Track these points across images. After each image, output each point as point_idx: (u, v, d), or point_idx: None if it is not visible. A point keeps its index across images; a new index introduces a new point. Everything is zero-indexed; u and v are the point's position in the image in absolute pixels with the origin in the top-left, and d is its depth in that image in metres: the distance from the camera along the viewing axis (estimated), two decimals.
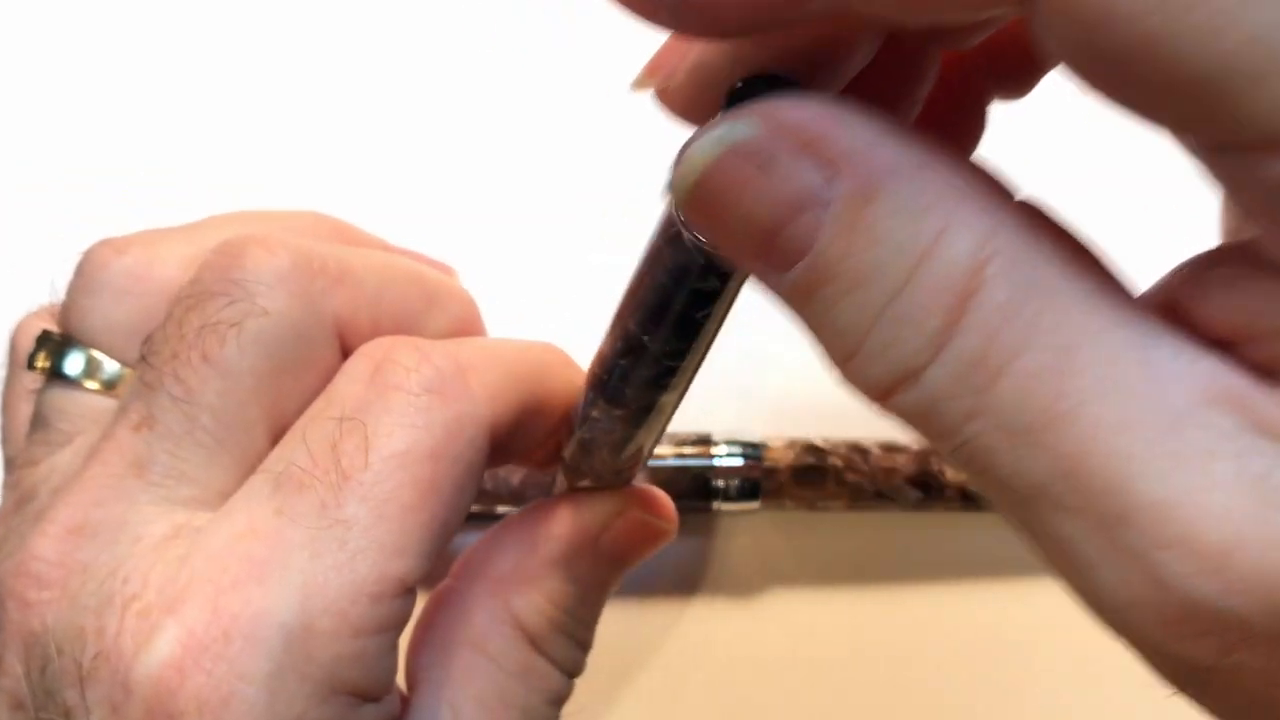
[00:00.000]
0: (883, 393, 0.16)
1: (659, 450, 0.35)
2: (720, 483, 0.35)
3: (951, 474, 0.35)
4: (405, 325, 0.24)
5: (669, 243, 0.18)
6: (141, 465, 0.22)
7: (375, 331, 0.24)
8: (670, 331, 0.20)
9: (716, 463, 0.35)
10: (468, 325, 0.26)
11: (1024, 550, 0.18)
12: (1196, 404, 0.15)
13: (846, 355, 0.16)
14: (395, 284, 0.24)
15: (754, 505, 0.35)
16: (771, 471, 0.35)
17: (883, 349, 0.16)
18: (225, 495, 0.22)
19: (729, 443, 0.35)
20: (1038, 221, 0.16)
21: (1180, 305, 0.16)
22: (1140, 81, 0.14)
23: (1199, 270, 0.16)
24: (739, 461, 0.35)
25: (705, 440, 0.35)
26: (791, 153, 0.16)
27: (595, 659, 0.36)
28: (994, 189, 0.16)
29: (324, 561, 0.21)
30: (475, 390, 0.22)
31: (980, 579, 0.36)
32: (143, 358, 0.22)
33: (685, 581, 0.36)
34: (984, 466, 0.16)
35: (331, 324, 0.23)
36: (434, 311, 0.25)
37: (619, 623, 0.36)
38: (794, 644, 0.36)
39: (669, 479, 0.35)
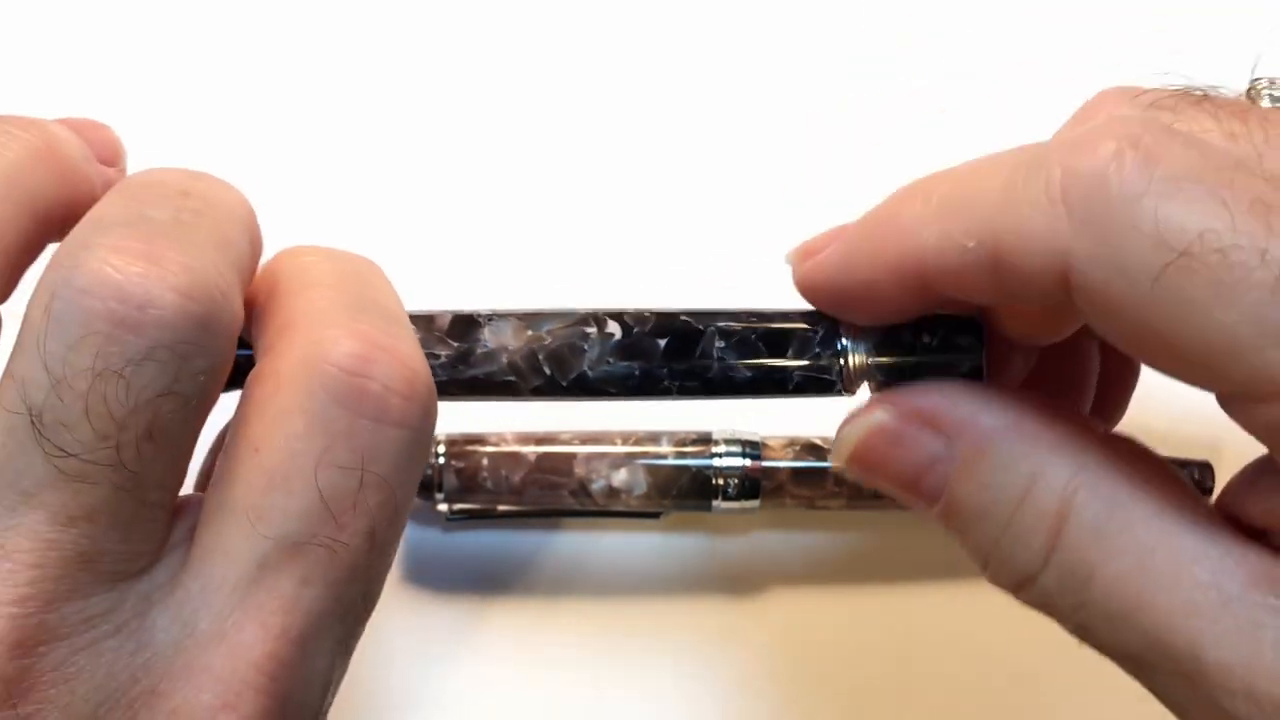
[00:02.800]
0: (1011, 590, 0.22)
1: (659, 449, 0.35)
2: (720, 482, 0.35)
3: None
4: (247, 271, 0.23)
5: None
6: (89, 559, 0.20)
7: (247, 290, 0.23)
8: None
9: (716, 462, 0.35)
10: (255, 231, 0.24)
11: None
12: (1245, 588, 0.20)
13: (982, 565, 0.22)
14: (227, 234, 0.23)
15: (754, 505, 0.35)
16: (771, 471, 0.35)
17: (1002, 562, 0.22)
18: (169, 537, 0.22)
19: (729, 442, 0.35)
20: (1118, 450, 0.21)
21: (1235, 504, 0.21)
22: (1158, 357, 0.20)
23: (1248, 477, 0.22)
24: (739, 461, 0.35)
25: (705, 440, 0.35)
26: (918, 429, 0.22)
27: (594, 657, 0.36)
28: (1080, 431, 0.21)
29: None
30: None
31: (978, 578, 0.36)
32: (45, 439, 0.20)
33: (685, 581, 0.36)
34: (1094, 641, 0.21)
35: (237, 331, 0.22)
36: (252, 244, 0.24)
37: (618, 621, 0.36)
38: (794, 643, 0.36)
39: (669, 479, 0.35)
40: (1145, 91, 0.22)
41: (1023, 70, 0.42)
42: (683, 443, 0.35)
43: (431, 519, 0.36)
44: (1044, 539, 0.21)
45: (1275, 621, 0.19)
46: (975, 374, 0.24)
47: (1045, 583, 0.21)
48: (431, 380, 0.23)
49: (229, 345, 0.22)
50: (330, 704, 0.23)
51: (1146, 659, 0.21)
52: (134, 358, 0.20)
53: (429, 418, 0.22)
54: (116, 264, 0.20)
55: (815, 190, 0.40)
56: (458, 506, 0.35)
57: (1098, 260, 0.19)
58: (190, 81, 0.41)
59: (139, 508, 0.21)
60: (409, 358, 0.22)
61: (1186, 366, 0.19)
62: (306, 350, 0.22)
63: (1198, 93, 0.21)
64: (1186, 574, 0.20)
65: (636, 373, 0.24)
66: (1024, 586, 0.22)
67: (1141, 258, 0.18)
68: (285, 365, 0.22)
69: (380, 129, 0.41)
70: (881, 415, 0.23)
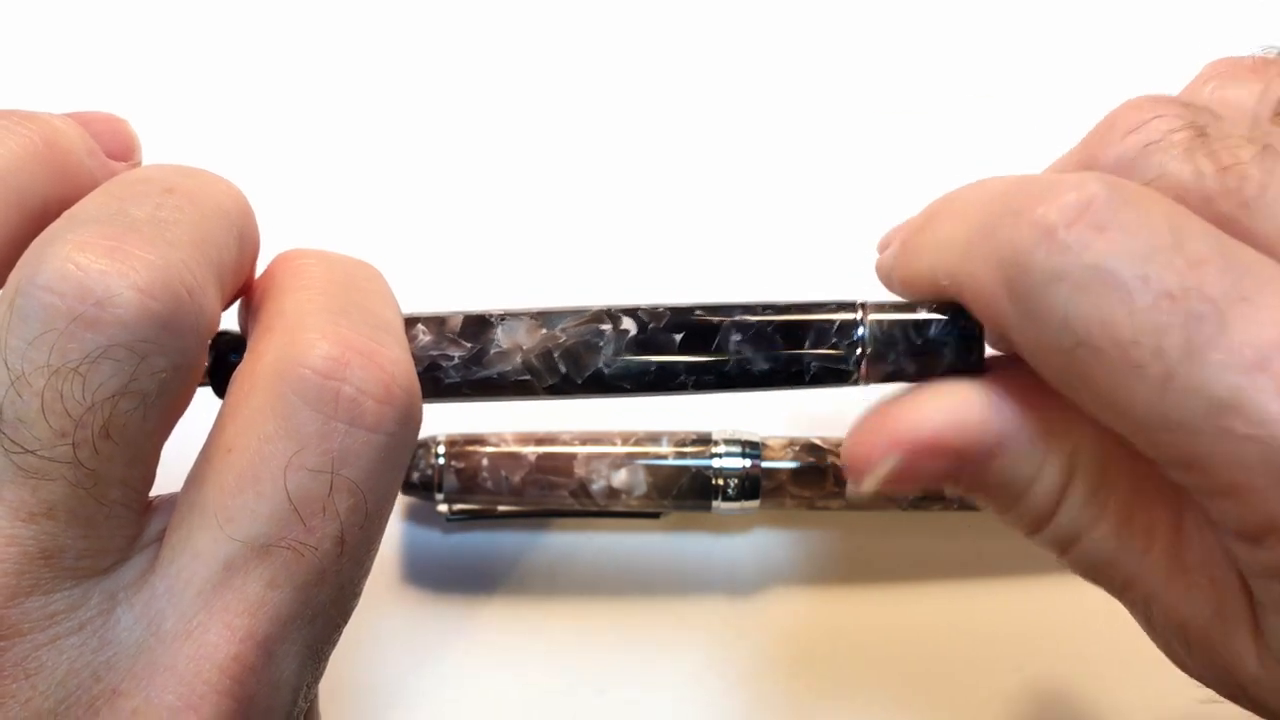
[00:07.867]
0: (1056, 552, 0.24)
1: (658, 449, 0.35)
2: (720, 482, 0.35)
3: None
4: (230, 269, 0.23)
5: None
6: (49, 555, 0.20)
7: (224, 288, 0.23)
8: None
9: (716, 463, 0.35)
10: (250, 227, 0.24)
11: (1020, 549, 0.20)
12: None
13: (992, 511, 0.24)
14: (207, 232, 0.22)
15: (753, 505, 0.35)
16: (771, 471, 0.35)
17: (1010, 521, 0.24)
18: (138, 535, 0.22)
19: (729, 442, 0.35)
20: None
21: None
22: (1083, 406, 0.21)
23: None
24: (739, 461, 0.35)
25: (705, 440, 0.35)
26: (928, 460, 0.23)
27: (594, 658, 0.36)
28: (1074, 417, 0.22)
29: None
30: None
31: (978, 578, 0.36)
32: (3, 435, 0.20)
33: (685, 581, 0.36)
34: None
35: (208, 331, 0.22)
36: (241, 241, 0.23)
37: (618, 622, 0.36)
38: (794, 643, 0.36)
39: (669, 479, 0.35)
40: (1159, 114, 0.22)
41: (1022, 70, 0.42)
42: (683, 443, 0.35)
43: (431, 519, 0.36)
44: (1044, 515, 0.23)
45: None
46: (977, 359, 0.24)
47: (1045, 535, 0.24)
48: (415, 386, 0.22)
49: (196, 344, 0.21)
50: (303, 710, 0.23)
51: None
52: (91, 354, 0.20)
53: (408, 424, 0.22)
54: (80, 260, 0.20)
55: (815, 190, 0.40)
56: (458, 507, 0.35)
57: (1021, 330, 0.21)
58: (207, 79, 0.41)
59: (99, 505, 0.20)
60: (388, 362, 0.22)
61: (1107, 422, 0.21)
62: (282, 352, 0.21)
63: (1208, 128, 0.22)
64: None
65: (653, 369, 0.24)
66: (1028, 533, 0.24)
67: (1053, 337, 0.20)
68: (261, 366, 0.22)
69: (390, 128, 0.41)
70: (892, 462, 0.23)
